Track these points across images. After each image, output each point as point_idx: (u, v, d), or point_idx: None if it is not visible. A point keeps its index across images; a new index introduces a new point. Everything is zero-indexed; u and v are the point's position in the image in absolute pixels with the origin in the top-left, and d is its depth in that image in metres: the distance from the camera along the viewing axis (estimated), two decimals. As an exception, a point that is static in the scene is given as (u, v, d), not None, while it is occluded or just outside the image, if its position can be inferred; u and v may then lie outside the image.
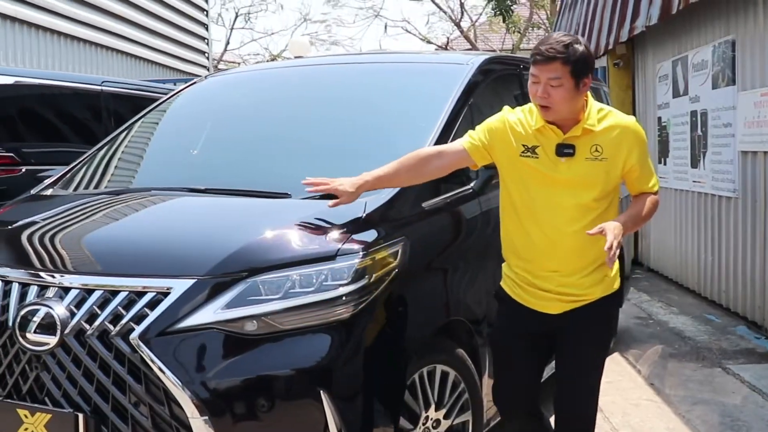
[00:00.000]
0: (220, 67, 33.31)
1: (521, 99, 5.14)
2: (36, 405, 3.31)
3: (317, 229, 3.42)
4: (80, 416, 3.20)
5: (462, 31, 29.39)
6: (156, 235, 3.61)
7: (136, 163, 4.80)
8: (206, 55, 23.66)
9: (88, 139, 5.54)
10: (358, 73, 4.97)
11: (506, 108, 3.52)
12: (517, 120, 3.41)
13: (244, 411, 3.11)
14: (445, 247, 3.93)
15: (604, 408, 5.48)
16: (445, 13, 29.42)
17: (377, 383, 3.33)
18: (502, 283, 3.60)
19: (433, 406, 3.71)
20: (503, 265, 3.59)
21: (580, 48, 3.20)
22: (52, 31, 14.36)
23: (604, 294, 3.42)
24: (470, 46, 28.94)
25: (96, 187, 4.55)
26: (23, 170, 5.43)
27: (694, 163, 8.74)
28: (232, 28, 36.77)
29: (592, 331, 3.45)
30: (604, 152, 3.28)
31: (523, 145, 3.34)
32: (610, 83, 11.38)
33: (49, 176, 4.73)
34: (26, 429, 3.29)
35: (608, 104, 7.57)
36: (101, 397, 3.20)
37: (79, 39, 15.36)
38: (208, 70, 23.01)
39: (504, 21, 17.86)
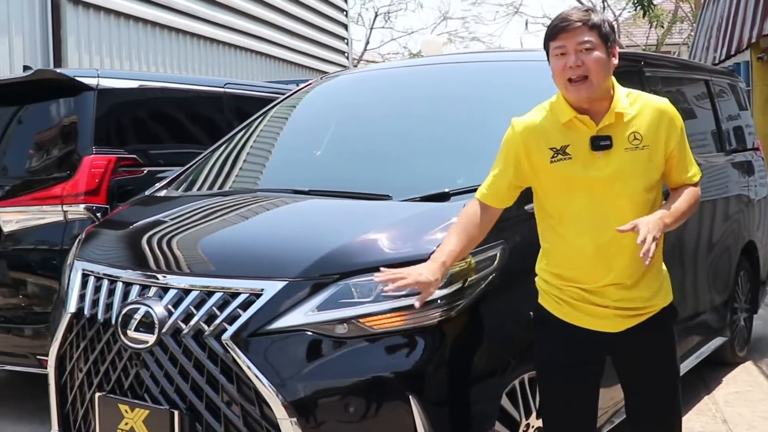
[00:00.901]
0: (360, 66, 33.76)
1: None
2: (136, 401, 3.40)
3: (412, 231, 3.38)
4: (176, 413, 3.27)
5: (604, 27, 28.74)
6: (252, 236, 3.67)
7: (245, 164, 4.87)
8: (346, 54, 23.98)
9: (211, 141, 5.65)
10: (466, 72, 4.90)
11: (514, 120, 3.09)
12: (534, 123, 3.01)
13: (331, 414, 3.12)
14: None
15: (729, 420, 5.25)
16: (583, 6, 28.83)
17: (470, 390, 3.27)
18: (541, 300, 3.13)
19: (534, 414, 3.61)
20: (538, 279, 3.15)
21: (603, 16, 2.95)
22: (192, 35, 14.87)
23: (665, 304, 3.06)
24: (612, 42, 28.30)
25: (205, 188, 4.64)
26: (145, 171, 5.61)
27: (843, 162, 8.26)
28: (371, 28, 37.10)
29: (657, 347, 3.08)
30: (644, 139, 2.91)
31: (551, 149, 2.93)
32: (754, 79, 10.94)
33: (164, 177, 4.86)
34: (126, 424, 3.39)
35: (748, 103, 7.27)
36: (196, 396, 3.26)
37: (220, 42, 15.86)
38: (347, 69, 23.32)
39: (644, 16, 17.38)
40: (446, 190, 3.65)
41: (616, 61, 2.95)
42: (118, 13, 12.82)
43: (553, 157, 2.94)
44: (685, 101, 5.94)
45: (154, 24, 13.70)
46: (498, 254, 3.40)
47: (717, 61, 12.88)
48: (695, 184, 3.08)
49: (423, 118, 4.53)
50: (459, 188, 3.66)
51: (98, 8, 12.40)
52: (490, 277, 3.36)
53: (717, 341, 5.90)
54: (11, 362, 5.60)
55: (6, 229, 5.50)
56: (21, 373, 6.39)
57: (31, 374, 6.05)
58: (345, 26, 23.98)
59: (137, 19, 13.27)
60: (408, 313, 3.14)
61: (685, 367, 5.32)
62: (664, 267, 3.11)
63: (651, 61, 5.34)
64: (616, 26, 29.21)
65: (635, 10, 18.95)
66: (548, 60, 2.98)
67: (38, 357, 5.22)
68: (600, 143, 2.90)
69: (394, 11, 42.79)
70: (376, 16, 36.86)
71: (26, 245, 5.52)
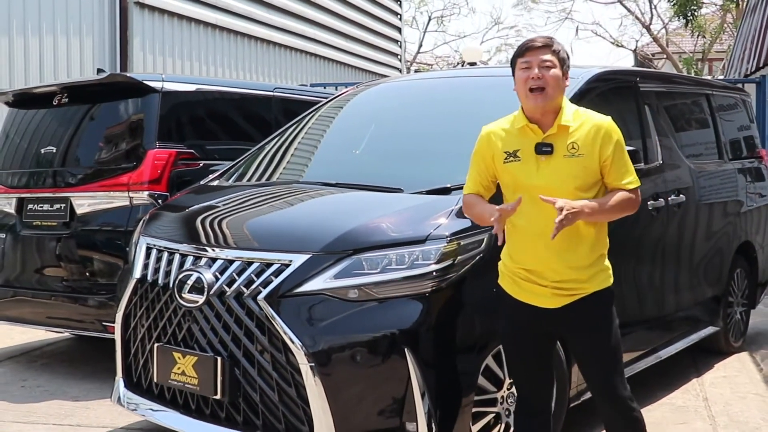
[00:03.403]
0: (413, 68, 34.45)
1: (635, 110, 5.62)
2: (187, 350, 4.19)
3: (414, 218, 4.12)
4: (219, 359, 4.05)
5: (651, 35, 29.12)
6: (285, 219, 4.48)
7: (286, 160, 5.64)
8: (399, 57, 24.62)
9: (260, 139, 6.35)
10: (474, 87, 5.66)
11: (483, 127, 3.69)
12: (497, 130, 3.59)
13: (342, 362, 3.87)
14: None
15: (709, 398, 5.84)
16: (632, 14, 29.19)
17: (457, 348, 4.01)
18: (500, 281, 3.69)
19: (517, 374, 4.31)
20: (500, 262, 3.70)
21: (559, 44, 3.55)
22: (250, 37, 15.74)
23: (599, 288, 3.56)
24: (660, 50, 28.67)
25: (251, 179, 5.43)
26: (202, 164, 6.35)
27: None
28: (425, 31, 37.90)
29: (593, 323, 3.58)
30: (580, 149, 3.44)
31: (506, 152, 3.51)
32: (778, 91, 11.38)
33: (217, 170, 5.65)
34: (179, 368, 4.18)
35: (754, 116, 7.86)
36: (235, 345, 4.04)
37: (277, 44, 16.70)
38: (400, 71, 24.00)
39: (686, 26, 17.83)
40: (448, 185, 4.37)
41: (567, 82, 3.57)
42: (180, 16, 13.73)
43: (506, 159, 3.52)
44: (682, 113, 6.58)
45: (213, 26, 14.58)
46: (485, 238, 4.10)
47: (749, 72, 13.33)
48: (630, 191, 3.53)
49: (437, 125, 5.29)
50: (459, 184, 4.37)
51: (162, 11, 13.32)
52: (478, 257, 4.07)
53: (708, 330, 6.51)
54: (80, 327, 6.39)
55: (79, 211, 6.31)
56: (85, 339, 7.29)
57: (93, 341, 6.93)
58: (399, 29, 24.58)
59: (198, 21, 14.16)
60: (406, 283, 3.89)
61: (674, 349, 5.98)
62: (607, 261, 3.64)
63: (647, 76, 6.00)
64: (665, 33, 29.61)
65: (678, 19, 19.41)
66: (513, 75, 3.60)
67: (104, 323, 6.02)
68: (542, 148, 3.46)
69: (447, 15, 43.32)
70: (430, 19, 37.58)
71: (96, 226, 6.30)
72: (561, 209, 3.27)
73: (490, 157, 3.59)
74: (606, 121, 3.55)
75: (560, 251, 3.47)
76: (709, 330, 6.54)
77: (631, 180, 3.55)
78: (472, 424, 4.10)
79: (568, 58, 3.61)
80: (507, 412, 4.28)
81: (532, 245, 3.50)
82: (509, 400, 4.29)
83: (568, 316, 3.56)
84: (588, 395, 4.77)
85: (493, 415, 4.23)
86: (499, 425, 4.25)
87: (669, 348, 5.91)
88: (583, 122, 3.51)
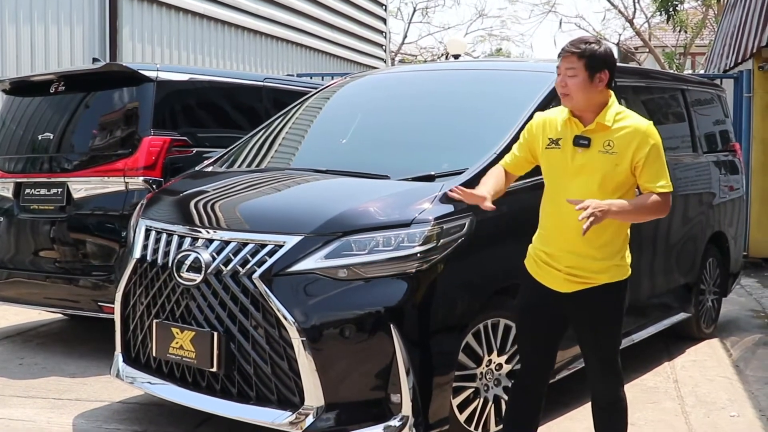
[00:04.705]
0: (397, 59, 34.65)
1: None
2: (185, 325, 4.44)
3: (401, 202, 4.37)
4: (215, 334, 4.29)
5: (634, 28, 29.42)
6: (278, 202, 4.73)
7: (277, 148, 5.88)
8: (384, 48, 24.79)
9: (250, 127, 6.56)
10: (459, 80, 5.92)
11: (537, 114, 3.95)
12: (546, 118, 3.83)
13: (332, 337, 4.12)
14: (509, 223, 4.60)
15: (679, 380, 6.13)
16: (615, 7, 29.46)
17: (440, 325, 4.27)
18: (525, 261, 3.91)
19: (495, 352, 4.58)
20: (530, 245, 3.92)
21: (598, 48, 3.64)
22: (236, 26, 15.92)
23: (611, 281, 3.73)
24: (643, 44, 28.96)
25: (244, 166, 5.67)
26: (194, 151, 6.54)
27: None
28: (410, 22, 37.99)
29: (600, 312, 3.77)
30: (615, 147, 3.60)
31: (549, 138, 3.75)
32: (755, 86, 11.62)
33: (210, 157, 5.88)
34: (177, 342, 4.43)
35: (729, 111, 8.13)
36: (231, 321, 4.28)
37: (263, 34, 16.87)
38: (385, 62, 24.22)
39: (668, 21, 18.11)
40: (432, 173, 4.62)
41: (602, 85, 3.69)
42: (168, 6, 13.91)
43: (548, 145, 3.77)
44: (658, 107, 6.85)
45: (201, 16, 14.77)
46: (467, 223, 4.36)
47: (727, 68, 13.59)
48: (661, 195, 3.65)
49: (421, 116, 5.54)
50: (442, 172, 4.63)
51: (151, 1, 13.51)
52: (459, 240, 4.32)
53: (680, 316, 6.80)
54: (77, 307, 6.60)
55: (75, 196, 6.51)
56: (78, 320, 7.53)
57: (86, 322, 7.18)
58: (384, 20, 24.73)
59: (186, 11, 14.35)
60: (392, 263, 4.15)
61: (646, 333, 6.26)
62: (626, 257, 3.84)
63: (624, 71, 6.27)
64: (647, 27, 29.90)
65: (660, 14, 19.68)
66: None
67: (99, 303, 6.24)
68: (580, 141, 3.67)
69: (432, 7, 43.38)
70: (415, 10, 37.72)
71: (92, 210, 6.50)
72: (587, 208, 3.43)
73: (533, 140, 3.84)
74: (645, 125, 3.70)
75: (576, 241, 3.66)
76: (682, 316, 6.82)
77: (663, 184, 3.67)
78: (453, 398, 4.37)
79: (601, 57, 3.66)
80: (486, 388, 4.55)
81: (556, 231, 3.74)
82: (488, 376, 4.56)
83: (578, 302, 3.77)
84: (564, 374, 5.08)
85: (472, 390, 4.49)
86: (477, 399, 4.51)
87: (642, 332, 6.18)
88: (623, 123, 3.67)
